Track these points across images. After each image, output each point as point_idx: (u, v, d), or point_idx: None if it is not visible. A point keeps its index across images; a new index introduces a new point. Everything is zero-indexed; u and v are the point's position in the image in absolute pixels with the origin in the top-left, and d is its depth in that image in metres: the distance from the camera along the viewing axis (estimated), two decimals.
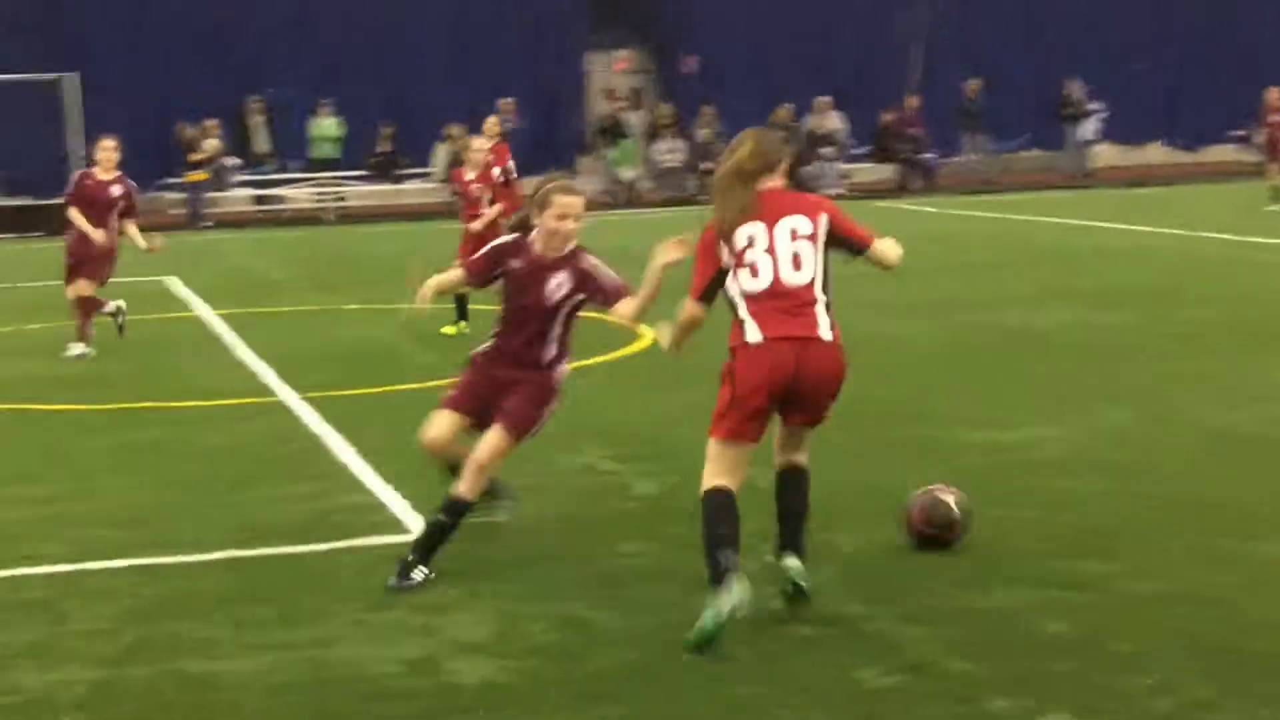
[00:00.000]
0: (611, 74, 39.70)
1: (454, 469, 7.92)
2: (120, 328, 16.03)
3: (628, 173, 36.65)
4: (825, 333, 6.97)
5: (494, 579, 7.64)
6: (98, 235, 15.27)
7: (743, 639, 6.62)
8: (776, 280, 6.90)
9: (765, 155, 7.09)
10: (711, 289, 7.07)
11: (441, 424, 8.02)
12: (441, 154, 34.51)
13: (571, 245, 7.93)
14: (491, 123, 19.28)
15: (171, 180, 34.28)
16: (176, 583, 7.82)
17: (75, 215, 15.38)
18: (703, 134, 36.43)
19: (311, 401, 12.48)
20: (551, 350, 7.94)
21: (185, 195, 33.83)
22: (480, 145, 17.08)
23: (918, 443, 10.48)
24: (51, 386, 13.79)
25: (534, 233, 7.95)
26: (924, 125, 37.52)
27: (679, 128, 36.88)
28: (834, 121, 37.33)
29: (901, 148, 37.31)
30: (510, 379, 7.88)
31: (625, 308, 7.72)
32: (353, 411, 12.08)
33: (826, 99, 37.32)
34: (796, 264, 6.93)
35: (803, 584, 6.99)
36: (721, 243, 6.96)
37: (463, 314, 15.89)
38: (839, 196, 35.65)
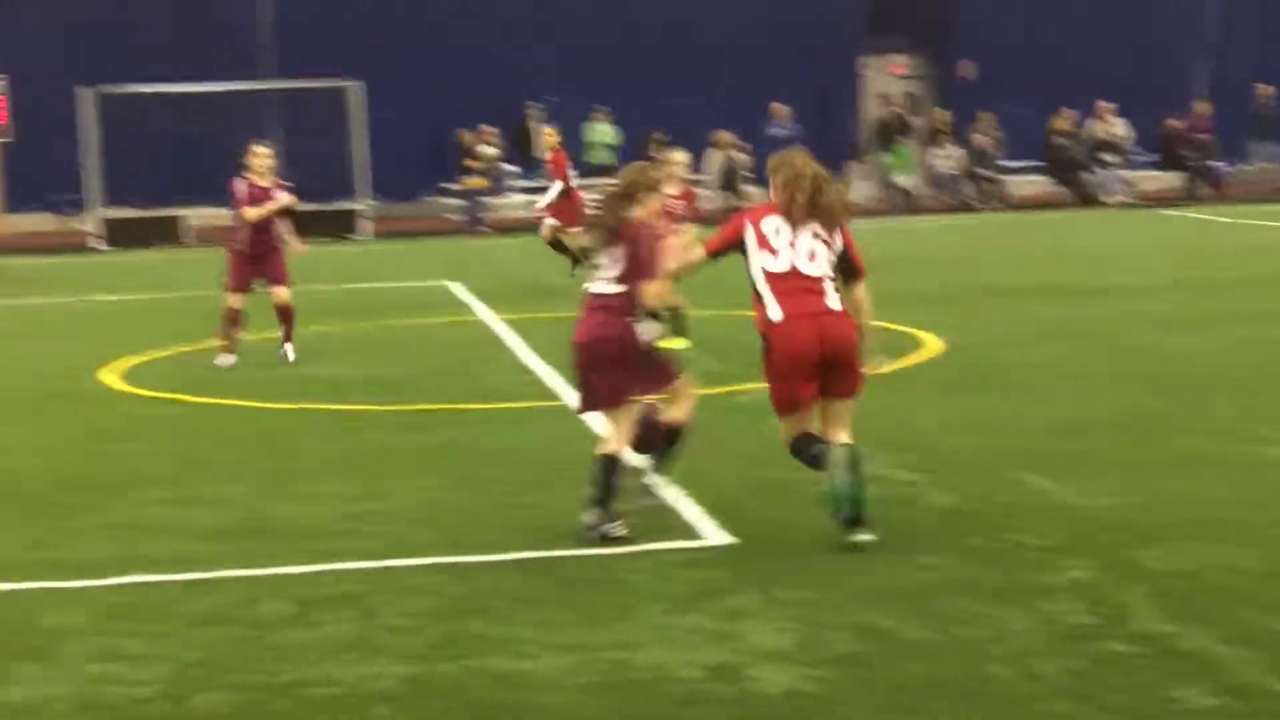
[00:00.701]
0: (887, 78, 39.41)
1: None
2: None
3: (904, 179, 36.35)
4: (835, 305, 8.31)
5: (793, 587, 7.60)
6: (300, 248, 16.11)
7: (1047, 653, 6.50)
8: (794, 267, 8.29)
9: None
10: (724, 251, 8.59)
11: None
12: (714, 160, 34.69)
13: None
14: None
15: (450, 186, 35.00)
16: (478, 582, 7.93)
17: (264, 219, 15.59)
18: (980, 140, 35.99)
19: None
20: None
21: (463, 201, 34.46)
22: (681, 159, 16.91)
23: (1209, 457, 10.18)
24: (349, 387, 14.13)
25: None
26: (1213, 132, 36.48)
27: (955, 134, 36.49)
28: (1118, 127, 36.55)
29: (1189, 154, 36.32)
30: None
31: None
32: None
33: (1109, 104, 36.58)
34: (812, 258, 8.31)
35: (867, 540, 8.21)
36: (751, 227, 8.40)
37: None
38: (1123, 204, 34.95)
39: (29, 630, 7.37)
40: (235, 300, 15.51)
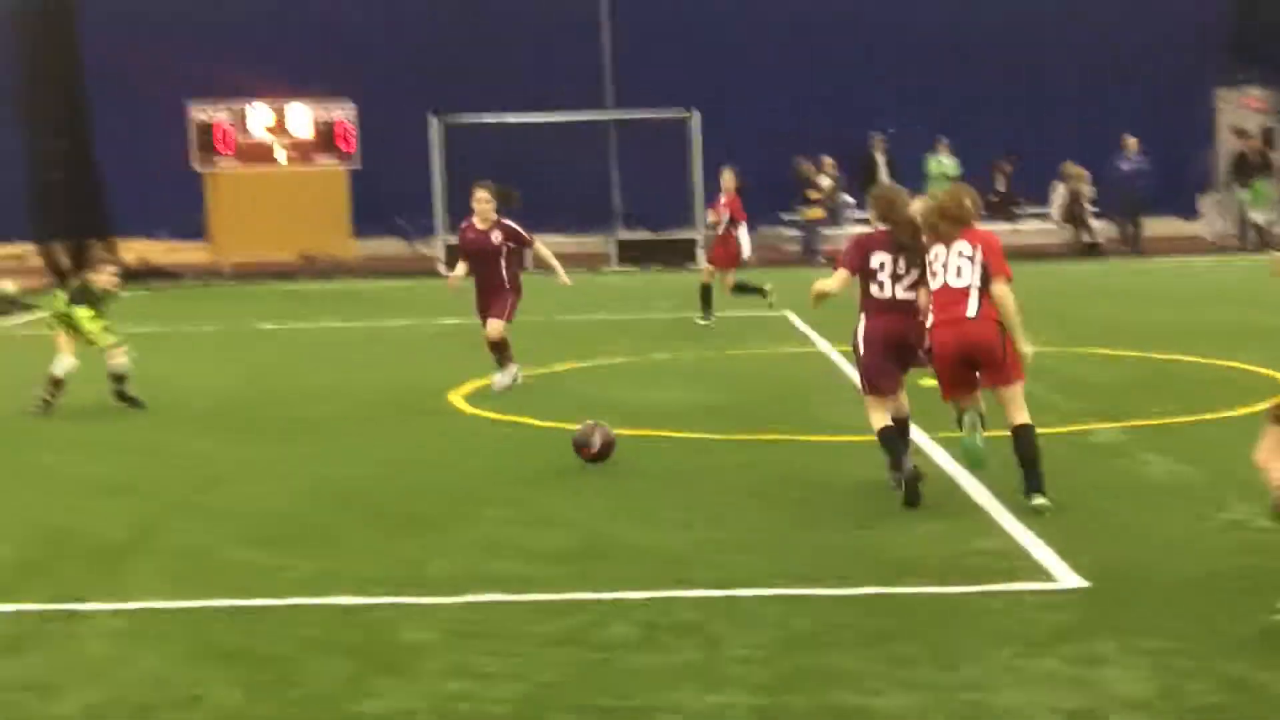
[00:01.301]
0: (1241, 112, 38.17)
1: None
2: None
3: (1260, 215, 35.13)
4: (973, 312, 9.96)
5: (1150, 633, 7.36)
6: (453, 282, 16.31)
7: None
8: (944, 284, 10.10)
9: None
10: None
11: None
12: (1060, 193, 34.08)
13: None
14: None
15: (787, 216, 35.04)
16: (824, 615, 7.86)
17: (459, 266, 16.23)
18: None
19: (942, 441, 12.39)
20: None
21: (801, 231, 34.46)
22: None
23: None
24: (689, 415, 14.20)
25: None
26: None
27: None
28: None
29: None
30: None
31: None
32: (987, 454, 11.91)
33: None
34: (959, 274, 10.05)
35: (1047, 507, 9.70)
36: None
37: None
38: None
39: (386, 644, 7.55)
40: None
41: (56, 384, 14.87)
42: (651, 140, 34.68)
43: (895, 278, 10.51)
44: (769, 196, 36.35)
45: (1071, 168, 34.19)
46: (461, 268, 16.34)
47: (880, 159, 35.51)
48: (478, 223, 16.04)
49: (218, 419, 14.46)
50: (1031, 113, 36.30)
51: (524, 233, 16.17)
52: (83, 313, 15.13)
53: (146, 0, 38.02)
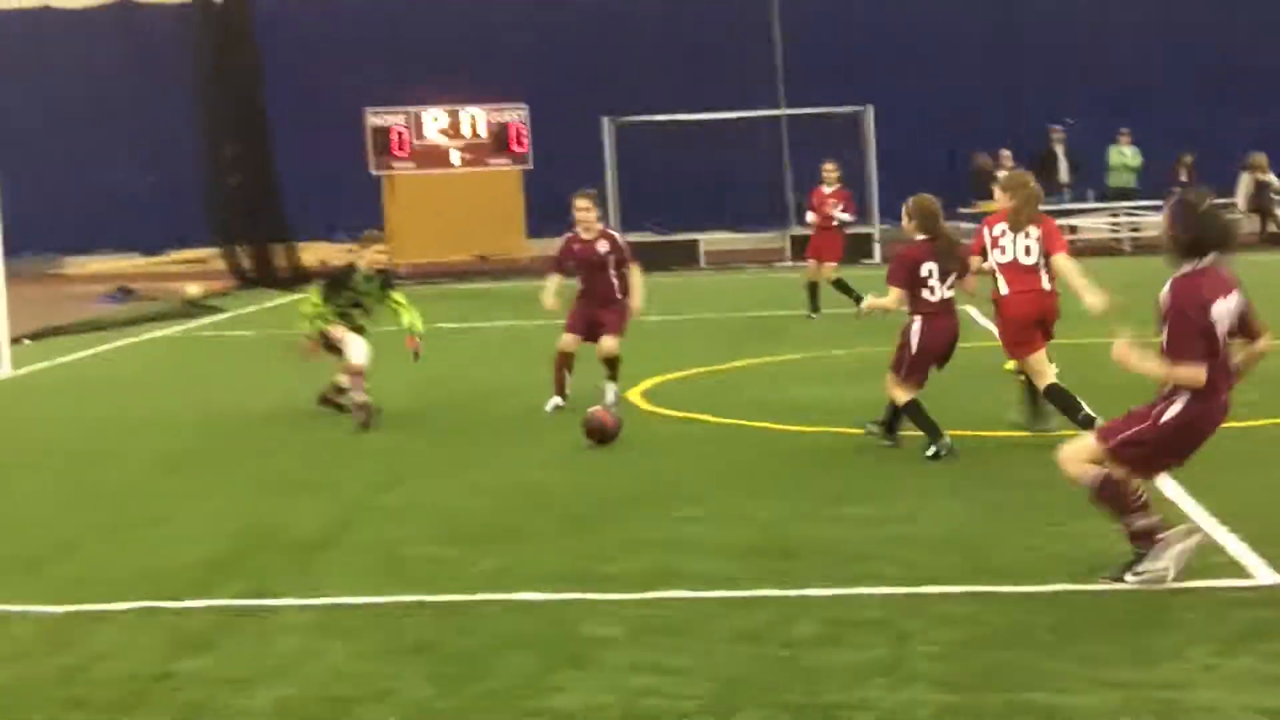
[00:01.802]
0: None
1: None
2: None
3: None
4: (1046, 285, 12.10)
5: None
6: (548, 303, 15.13)
7: None
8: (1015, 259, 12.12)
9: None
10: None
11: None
12: (1245, 183, 33.38)
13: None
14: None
15: (963, 210, 34.67)
16: (1014, 613, 7.75)
17: (552, 282, 15.32)
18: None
19: None
20: None
21: (978, 226, 34.08)
22: None
23: None
24: (870, 411, 14.07)
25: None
26: None
27: None
28: None
29: None
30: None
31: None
32: None
33: None
34: (1028, 253, 12.09)
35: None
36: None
37: None
38: None
39: (571, 639, 7.57)
40: (565, 343, 15.08)
41: (359, 374, 14.25)
42: (823, 135, 34.52)
43: (942, 280, 12.06)
44: (942, 190, 36.10)
45: (1257, 157, 33.46)
46: (554, 282, 15.41)
47: (1059, 151, 35.00)
48: (582, 233, 15.21)
49: (402, 418, 14.62)
50: (1215, 102, 35.60)
51: (626, 248, 15.30)
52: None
53: (323, 7, 38.67)
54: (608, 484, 11.30)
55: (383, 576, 8.85)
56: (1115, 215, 34.68)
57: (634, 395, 15.44)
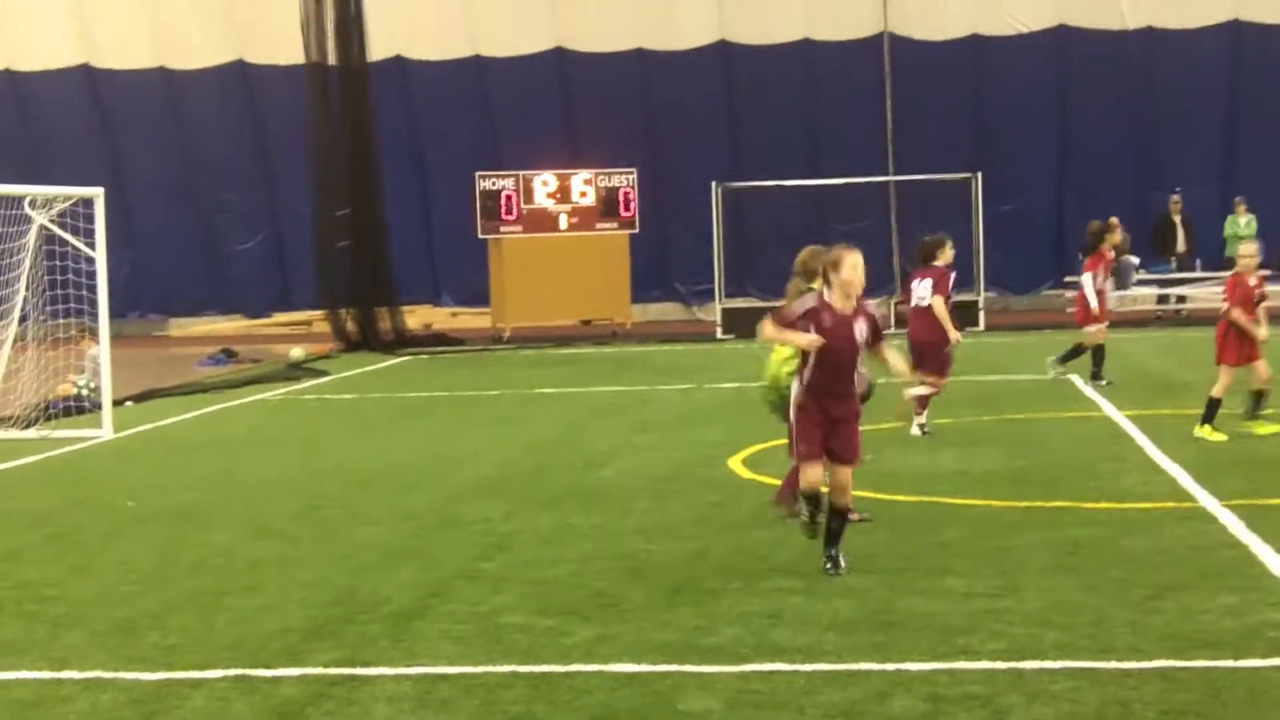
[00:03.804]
0: None
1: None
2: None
3: None
4: None
5: None
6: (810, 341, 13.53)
7: None
8: None
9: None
10: None
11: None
12: None
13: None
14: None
15: (1069, 278, 34.46)
16: (1116, 689, 7.62)
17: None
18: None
19: (1233, 508, 12.02)
20: None
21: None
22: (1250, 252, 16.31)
23: None
24: (973, 481, 14.00)
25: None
26: None
27: None
28: None
29: None
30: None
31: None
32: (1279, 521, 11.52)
33: None
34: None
35: None
36: None
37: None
38: None
39: (668, 712, 7.51)
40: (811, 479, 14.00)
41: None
42: (932, 201, 34.52)
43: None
44: (1050, 258, 35.95)
45: None
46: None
47: (1176, 219, 34.78)
48: (838, 302, 10.52)
49: (500, 485, 14.66)
50: None
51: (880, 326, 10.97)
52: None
53: (438, 72, 39.12)
54: (706, 553, 11.24)
55: (478, 646, 8.83)
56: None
57: (734, 462, 15.39)
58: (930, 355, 16.90)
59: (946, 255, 16.96)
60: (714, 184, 34.80)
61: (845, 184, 35.22)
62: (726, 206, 35.14)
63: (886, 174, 36.94)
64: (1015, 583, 9.97)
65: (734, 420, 18.78)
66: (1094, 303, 21.26)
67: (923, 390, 16.40)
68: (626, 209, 34.18)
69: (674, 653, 8.54)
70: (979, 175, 34.42)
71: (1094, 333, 21.46)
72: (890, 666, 8.14)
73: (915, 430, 16.83)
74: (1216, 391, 15.88)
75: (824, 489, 10.54)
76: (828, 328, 10.32)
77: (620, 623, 9.27)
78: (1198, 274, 34.61)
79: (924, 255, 17.30)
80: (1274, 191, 34.89)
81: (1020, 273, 37.99)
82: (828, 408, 10.48)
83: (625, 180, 34.20)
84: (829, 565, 10.40)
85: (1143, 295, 34.73)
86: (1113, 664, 8.04)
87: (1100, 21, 36.92)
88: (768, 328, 10.59)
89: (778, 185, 35.56)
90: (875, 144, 37.60)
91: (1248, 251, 16.40)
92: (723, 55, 38.76)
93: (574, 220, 34.19)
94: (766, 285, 34.89)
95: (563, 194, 34.15)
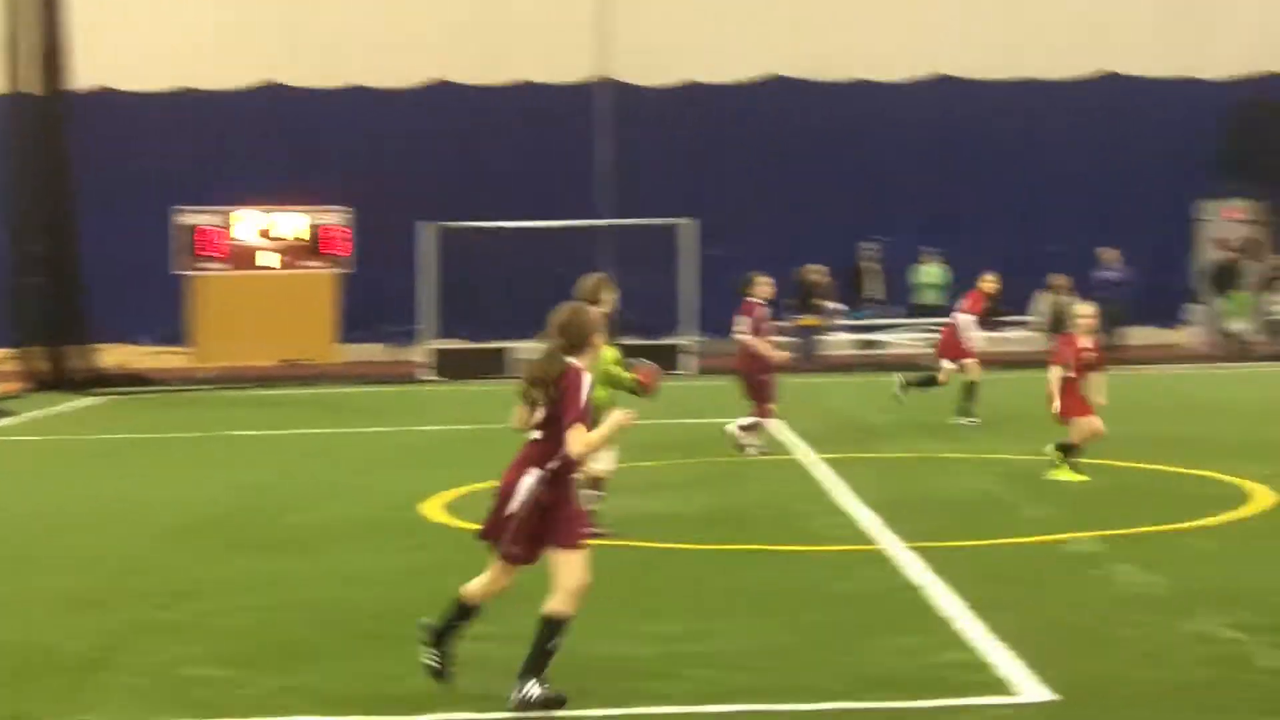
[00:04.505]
0: (1224, 223, 38.52)
1: None
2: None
3: (1236, 324, 35.34)
4: None
5: None
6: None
7: None
8: None
9: None
10: None
11: None
12: (1043, 303, 34.31)
13: None
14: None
15: (780, 324, 35.14)
16: None
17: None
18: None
19: (915, 550, 12.38)
20: None
21: (795, 339, 34.54)
22: (1089, 311, 16.84)
23: None
24: (670, 523, 14.16)
25: None
26: None
27: None
28: None
29: None
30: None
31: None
32: (958, 563, 11.88)
33: None
34: None
35: None
36: None
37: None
38: None
39: None
40: None
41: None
42: (644, 248, 34.87)
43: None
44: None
45: (1056, 279, 34.48)
46: None
47: (868, 268, 35.77)
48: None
49: (191, 530, 14.36)
50: (1018, 224, 36.63)
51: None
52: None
53: (137, 106, 38.30)
54: (404, 601, 11.10)
55: (157, 699, 8.63)
56: (920, 331, 35.35)
57: (435, 508, 15.33)
58: (750, 385, 19.31)
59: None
60: (422, 224, 34.71)
61: (563, 227, 35.39)
62: (442, 248, 35.04)
63: (604, 218, 37.22)
64: (707, 626, 10.10)
65: (436, 464, 18.72)
66: (969, 341, 22.74)
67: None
68: (336, 248, 33.87)
69: (361, 703, 8.46)
70: (694, 220, 34.90)
71: (970, 366, 22.35)
72: (577, 712, 8.18)
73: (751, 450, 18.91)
74: (1074, 439, 16.16)
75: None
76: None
77: (306, 672, 9.15)
78: (893, 320, 35.64)
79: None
80: (972, 242, 36.03)
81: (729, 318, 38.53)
82: None
83: (338, 219, 33.90)
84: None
85: (840, 341, 35.62)
86: (792, 706, 8.19)
87: (815, 73, 37.78)
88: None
89: (496, 227, 35.60)
90: (594, 188, 37.88)
91: (1085, 313, 16.68)
92: (443, 95, 38.76)
93: (282, 258, 33.78)
94: (480, 328, 34.88)
95: (269, 231, 33.72)
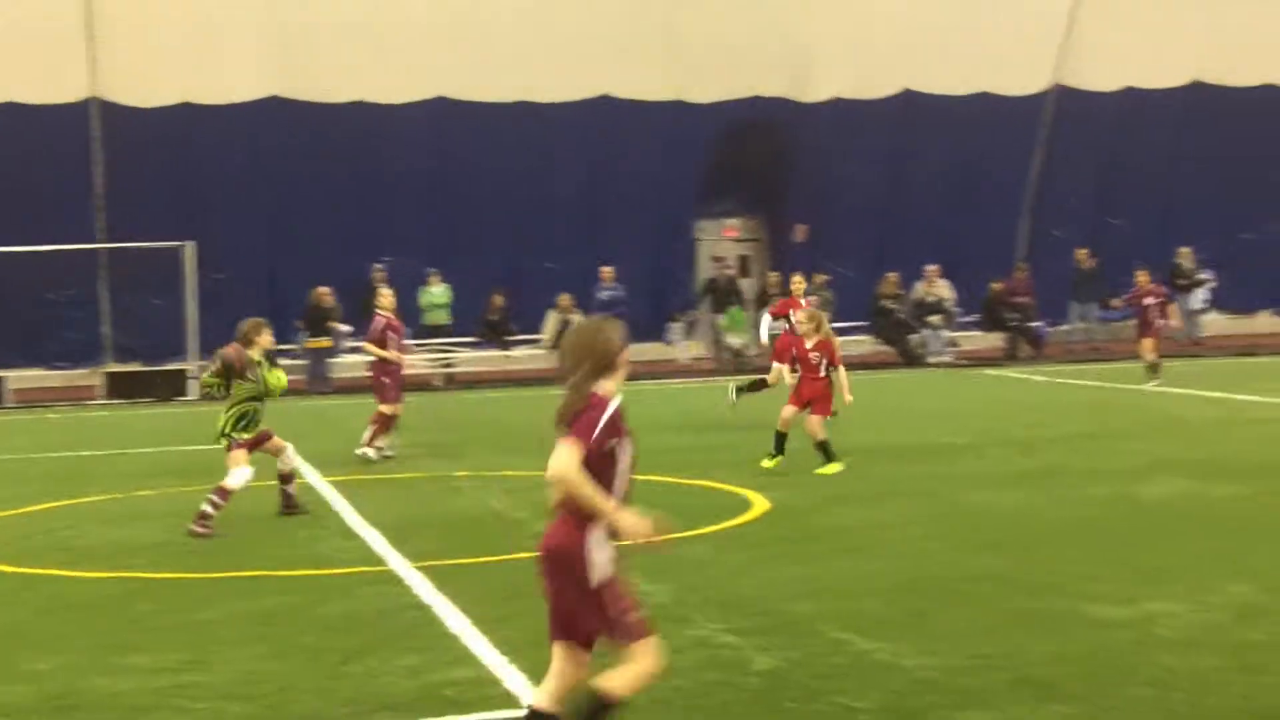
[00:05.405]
0: (721, 241, 40.11)
1: None
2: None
3: (736, 339, 36.78)
4: None
5: None
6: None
7: None
8: None
9: None
10: None
11: None
12: (552, 321, 35.02)
13: None
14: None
15: (288, 346, 34.74)
16: None
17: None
18: (809, 301, 36.64)
19: (423, 570, 12.46)
20: None
21: (307, 361, 34.23)
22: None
23: (1035, 616, 10.26)
24: (173, 553, 13.85)
25: None
26: (1033, 294, 37.59)
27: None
28: (942, 289, 37.42)
29: (1010, 316, 37.31)
30: None
31: None
32: (464, 581, 12.02)
33: (935, 267, 37.48)
34: None
35: None
36: None
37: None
38: (947, 364, 35.63)
39: None
40: None
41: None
42: (145, 271, 33.99)
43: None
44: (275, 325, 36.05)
45: (564, 299, 35.28)
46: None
47: (380, 288, 35.68)
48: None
49: None
50: (527, 246, 37.24)
51: None
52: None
53: None
54: None
55: None
56: (429, 351, 35.54)
57: None
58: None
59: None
60: None
61: (54, 250, 34.13)
62: None
63: (97, 241, 36.06)
64: (204, 656, 9.92)
65: None
66: (765, 340, 25.10)
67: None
68: None
69: None
70: (194, 243, 34.18)
71: (776, 371, 22.60)
72: None
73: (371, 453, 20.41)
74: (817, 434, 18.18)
75: None
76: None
77: None
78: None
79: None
80: (474, 262, 36.45)
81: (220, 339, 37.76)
82: None
83: None
84: None
85: (351, 363, 35.47)
86: None
87: (312, 94, 37.44)
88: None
89: None
90: (87, 211, 36.60)
91: (800, 318, 19.75)
92: None
93: None
94: None
95: None
